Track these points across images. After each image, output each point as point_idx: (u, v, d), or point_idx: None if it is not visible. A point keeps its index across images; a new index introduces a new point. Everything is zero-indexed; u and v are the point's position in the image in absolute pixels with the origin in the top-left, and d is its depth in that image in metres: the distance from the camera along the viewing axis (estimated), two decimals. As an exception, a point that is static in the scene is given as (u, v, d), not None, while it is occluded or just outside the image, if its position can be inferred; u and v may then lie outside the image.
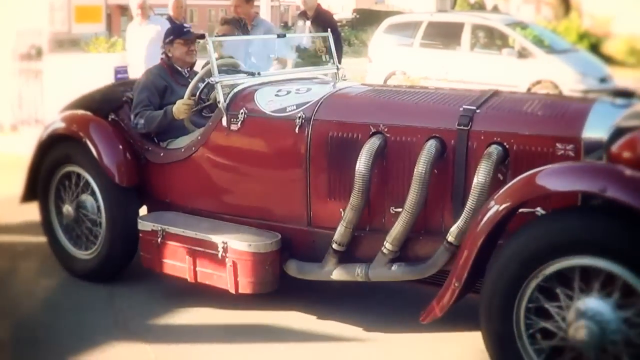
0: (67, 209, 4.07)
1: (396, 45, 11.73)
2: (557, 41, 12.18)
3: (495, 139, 2.99)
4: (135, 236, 3.79)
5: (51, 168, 4.13)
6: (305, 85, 3.72)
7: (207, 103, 3.87)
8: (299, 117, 3.41)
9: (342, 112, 3.39)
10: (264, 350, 3.27)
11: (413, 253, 3.18)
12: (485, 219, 2.65)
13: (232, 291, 3.41)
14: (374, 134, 3.24)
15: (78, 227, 4.07)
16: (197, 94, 3.85)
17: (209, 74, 3.77)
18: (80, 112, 4.14)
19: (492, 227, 2.64)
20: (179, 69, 4.16)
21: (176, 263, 3.58)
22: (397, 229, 3.12)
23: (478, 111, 3.08)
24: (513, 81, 10.09)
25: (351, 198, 3.20)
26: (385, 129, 3.22)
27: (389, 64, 11.44)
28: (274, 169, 3.54)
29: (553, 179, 2.68)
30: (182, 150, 3.80)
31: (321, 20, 6.35)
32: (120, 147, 3.94)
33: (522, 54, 10.79)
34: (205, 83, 3.82)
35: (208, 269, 3.47)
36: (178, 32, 4.16)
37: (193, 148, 3.74)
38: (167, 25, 6.48)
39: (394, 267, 3.19)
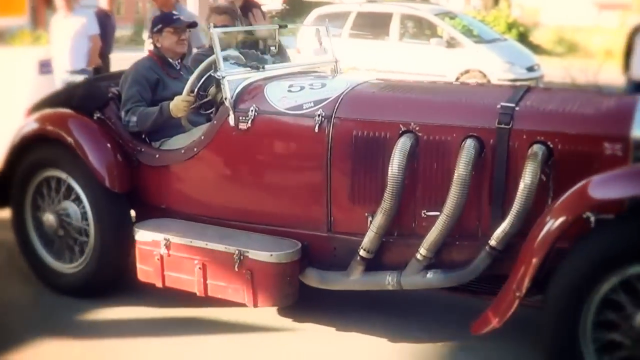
0: (48, 217, 3.68)
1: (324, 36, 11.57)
2: (485, 31, 12.29)
3: (538, 138, 2.83)
4: (128, 246, 3.48)
5: (27, 173, 3.73)
6: (318, 81, 3.47)
7: (206, 99, 3.58)
8: (318, 115, 3.16)
9: (368, 110, 3.16)
10: None
11: (448, 258, 2.99)
12: (545, 231, 2.50)
13: (250, 305, 3.14)
14: (403, 133, 3.03)
15: (61, 237, 3.70)
16: (195, 89, 3.54)
17: (210, 67, 3.47)
18: (61, 110, 3.75)
19: (555, 239, 2.49)
20: (170, 60, 3.83)
21: (182, 276, 3.28)
22: (434, 233, 2.93)
23: (517, 108, 2.92)
24: (441, 71, 10.19)
25: (383, 202, 2.98)
26: (417, 128, 3.01)
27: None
28: (289, 171, 3.28)
29: (607, 187, 2.56)
30: (183, 151, 3.48)
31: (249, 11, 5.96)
32: (111, 148, 3.58)
33: (451, 43, 10.81)
34: (204, 77, 3.52)
35: (221, 281, 3.18)
36: (167, 20, 3.82)
37: (195, 149, 3.43)
38: (93, 17, 6.15)
39: (429, 274, 2.99)
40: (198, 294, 3.26)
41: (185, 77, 3.82)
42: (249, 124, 3.29)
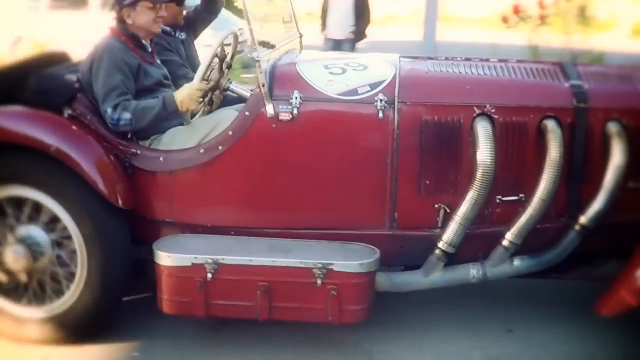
0: (10, 249, 2.75)
1: (24, 9, 10.60)
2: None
3: (613, 115, 2.88)
4: (128, 274, 2.78)
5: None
6: (350, 60, 3.07)
7: (210, 86, 2.97)
8: (380, 101, 2.81)
9: (435, 93, 2.88)
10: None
11: (530, 243, 2.92)
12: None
13: (334, 323, 2.72)
14: (478, 116, 2.85)
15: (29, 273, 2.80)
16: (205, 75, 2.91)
17: (223, 49, 2.88)
18: (20, 108, 2.79)
19: None
20: (143, 42, 3.06)
21: (237, 303, 2.71)
22: (526, 218, 2.82)
23: (587, 87, 2.92)
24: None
25: (471, 191, 2.78)
26: (493, 110, 2.85)
27: (15, 29, 10.23)
28: (345, 166, 2.86)
29: None
30: (201, 151, 2.84)
31: None
32: (105, 154, 2.78)
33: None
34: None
35: (294, 302, 2.69)
36: None
37: (220, 147, 2.82)
38: None
39: (516, 262, 2.90)
40: (259, 319, 2.72)
41: (158, 62, 3.13)
42: (293, 114, 2.79)
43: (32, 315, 2.84)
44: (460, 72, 3.02)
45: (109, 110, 2.81)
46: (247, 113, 2.82)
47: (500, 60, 3.17)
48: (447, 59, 3.22)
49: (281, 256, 2.69)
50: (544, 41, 8.41)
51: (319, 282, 2.65)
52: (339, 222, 2.90)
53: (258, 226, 2.89)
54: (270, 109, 2.79)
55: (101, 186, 2.71)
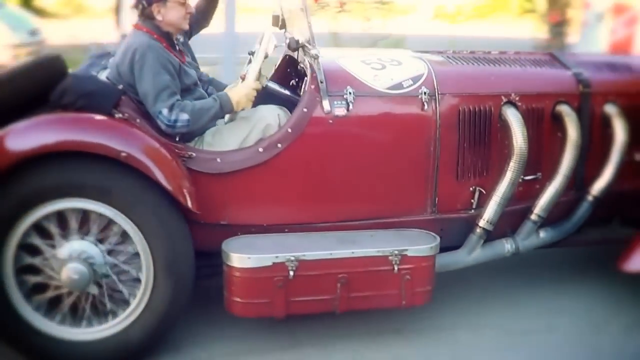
0: (69, 268, 2.54)
1: None
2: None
3: (610, 98, 3.28)
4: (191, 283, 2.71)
5: (17, 210, 2.48)
6: (385, 57, 3.17)
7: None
8: (424, 93, 2.97)
9: (467, 84, 3.09)
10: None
11: (551, 215, 3.24)
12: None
13: (407, 306, 2.83)
14: (505, 103, 3.11)
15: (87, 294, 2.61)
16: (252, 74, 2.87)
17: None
18: (71, 114, 2.55)
19: None
20: (174, 40, 2.94)
21: (316, 297, 2.73)
22: (549, 195, 3.14)
23: (586, 74, 3.30)
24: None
25: (509, 172, 3.04)
26: (517, 98, 3.12)
27: None
28: (395, 156, 2.98)
29: None
30: (260, 149, 2.80)
31: None
32: (172, 157, 2.64)
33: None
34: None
35: (371, 290, 2.77)
36: None
37: (279, 145, 2.81)
38: None
39: (542, 233, 3.21)
40: (337, 311, 2.77)
41: (188, 60, 3.03)
42: (348, 109, 2.86)
43: (80, 338, 2.65)
44: (481, 65, 3.26)
45: (165, 111, 2.68)
46: (304, 110, 2.83)
47: (501, 52, 3.47)
48: (454, 52, 3.44)
49: (356, 247, 2.76)
50: (344, 28, 8.59)
51: (396, 268, 2.76)
52: (386, 211, 3.01)
53: (311, 221, 2.92)
54: (326, 105, 2.83)
55: (174, 190, 2.58)
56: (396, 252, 2.75)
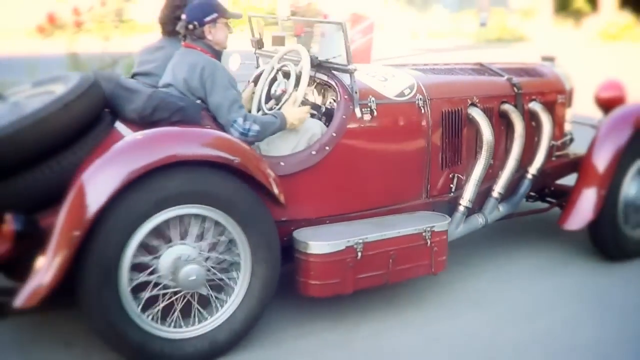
0: (190, 269, 2.80)
1: None
2: None
3: (532, 97, 4.22)
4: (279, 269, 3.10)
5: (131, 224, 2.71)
6: (383, 72, 3.74)
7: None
8: (420, 99, 3.63)
9: (445, 90, 3.79)
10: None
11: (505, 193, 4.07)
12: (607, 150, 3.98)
13: (434, 273, 3.45)
14: (471, 105, 3.88)
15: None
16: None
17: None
18: (178, 128, 2.80)
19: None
20: (221, 58, 3.26)
21: (374, 273, 3.25)
22: (505, 176, 3.97)
23: (515, 79, 4.19)
24: None
25: (482, 160, 3.82)
26: (478, 100, 3.91)
27: None
28: (404, 152, 3.61)
29: None
30: (313, 152, 3.25)
31: None
32: (263, 161, 3.02)
33: None
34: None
35: (411, 262, 3.35)
36: (222, 9, 3.21)
37: (327, 147, 3.29)
38: None
39: (501, 208, 4.02)
40: (388, 283, 3.31)
41: None
42: (372, 115, 3.43)
43: (184, 337, 2.90)
44: (448, 75, 4.01)
45: (240, 120, 3.01)
46: (343, 117, 3.33)
47: (456, 64, 4.25)
48: (426, 64, 4.16)
49: (397, 228, 3.32)
50: (83, 48, 8.51)
51: (428, 242, 3.38)
52: (396, 199, 3.62)
53: (345, 212, 3.42)
54: (358, 112, 3.37)
55: (272, 189, 2.95)
56: (427, 229, 3.38)
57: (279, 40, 3.72)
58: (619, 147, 3.96)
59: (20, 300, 2.57)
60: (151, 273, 2.79)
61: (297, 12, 9.82)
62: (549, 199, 4.46)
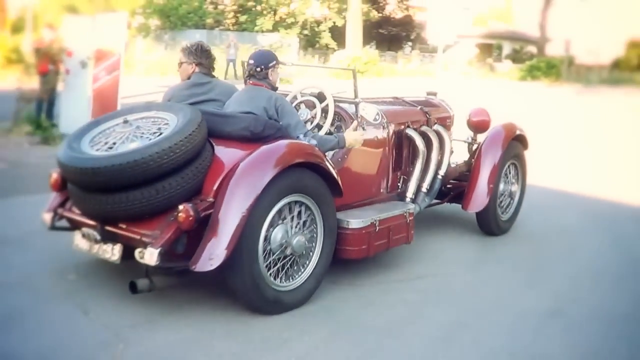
0: (299, 239, 4.02)
1: None
2: None
3: (436, 121, 5.97)
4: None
5: (276, 196, 3.93)
6: (354, 104, 5.18)
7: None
8: (385, 122, 5.19)
9: (395, 116, 5.38)
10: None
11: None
12: (493, 153, 5.85)
13: (410, 242, 4.97)
14: (407, 127, 5.51)
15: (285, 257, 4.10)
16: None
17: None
18: (282, 141, 4.02)
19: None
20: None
21: (381, 241, 4.68)
22: (430, 175, 5.64)
23: (425, 109, 5.91)
24: None
25: (419, 165, 5.47)
26: (410, 123, 5.56)
27: None
28: (377, 159, 5.12)
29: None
30: (339, 159, 4.62)
31: None
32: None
33: None
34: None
35: (399, 234, 4.84)
36: (277, 58, 4.42)
37: (345, 156, 4.69)
38: None
39: (426, 199, 5.68)
40: (386, 250, 4.77)
41: None
42: (366, 133, 4.91)
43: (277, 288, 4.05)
44: (390, 106, 5.60)
45: (301, 136, 4.27)
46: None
47: (384, 98, 5.85)
48: (370, 98, 5.67)
49: (389, 212, 4.79)
50: None
51: (408, 219, 4.91)
52: (370, 194, 5.10)
53: (343, 203, 4.77)
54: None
55: (340, 184, 4.27)
56: (406, 211, 4.91)
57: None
58: (500, 154, 5.88)
59: (200, 266, 3.61)
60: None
61: (41, 48, 10.12)
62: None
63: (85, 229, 3.99)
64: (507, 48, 53.33)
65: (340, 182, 4.33)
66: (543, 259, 5.47)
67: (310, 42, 38.88)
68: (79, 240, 4.09)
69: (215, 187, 3.85)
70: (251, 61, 4.46)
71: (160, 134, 3.84)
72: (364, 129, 4.85)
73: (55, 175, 4.28)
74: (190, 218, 3.61)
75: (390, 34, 45.41)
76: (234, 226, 3.68)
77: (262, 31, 36.96)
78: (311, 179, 4.13)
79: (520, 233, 6.16)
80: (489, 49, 51.69)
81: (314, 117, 4.85)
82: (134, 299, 4.00)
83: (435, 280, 4.84)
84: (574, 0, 45.76)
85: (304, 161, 4.04)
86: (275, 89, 4.52)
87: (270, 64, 4.46)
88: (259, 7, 38.05)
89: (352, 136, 4.63)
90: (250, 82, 4.47)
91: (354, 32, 32.55)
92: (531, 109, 18.92)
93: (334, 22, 38.62)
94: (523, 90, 28.70)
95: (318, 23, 39.27)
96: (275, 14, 38.39)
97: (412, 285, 4.70)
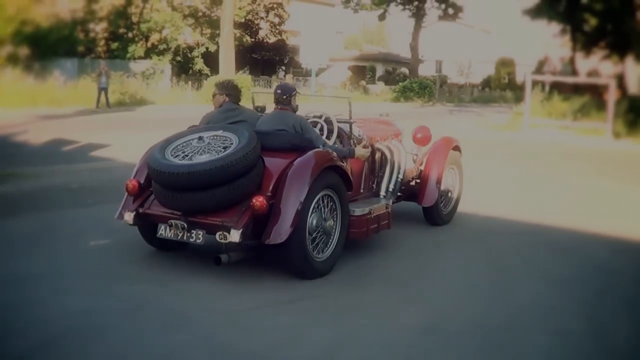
0: (330, 222, 5.52)
1: None
2: None
3: (393, 137, 7.63)
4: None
5: (316, 190, 5.45)
6: (346, 123, 6.73)
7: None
8: (366, 138, 6.81)
9: (371, 132, 7.02)
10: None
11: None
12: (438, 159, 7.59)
13: (389, 228, 6.57)
14: (377, 142, 7.14)
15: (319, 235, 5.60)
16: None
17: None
18: (316, 150, 5.52)
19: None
20: None
21: (374, 226, 6.28)
22: (393, 179, 7.29)
23: (398, 125, 7.59)
24: None
25: (388, 170, 7.11)
26: (379, 138, 7.20)
27: None
28: (362, 166, 6.71)
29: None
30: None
31: None
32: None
33: None
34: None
35: (383, 221, 6.45)
36: (296, 88, 5.92)
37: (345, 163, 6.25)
38: None
39: (392, 197, 7.30)
40: (377, 232, 6.36)
41: None
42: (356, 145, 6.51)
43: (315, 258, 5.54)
44: (364, 124, 7.21)
45: (321, 147, 5.78)
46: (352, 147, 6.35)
47: (364, 119, 7.46)
48: (356, 118, 7.23)
49: (377, 203, 6.40)
50: None
51: (388, 210, 6.52)
52: (356, 192, 6.68)
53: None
54: (352, 144, 6.42)
55: (352, 181, 5.84)
56: (387, 204, 6.54)
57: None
58: (443, 160, 7.65)
59: (271, 240, 5.05)
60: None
61: None
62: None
63: (172, 221, 5.27)
64: (380, 70, 56.24)
65: (352, 180, 5.89)
66: (422, 275, 5.90)
67: (183, 68, 37.91)
68: (163, 230, 5.36)
69: (271, 185, 5.30)
70: (278, 91, 6.00)
71: (226, 148, 5.24)
72: (370, 146, 6.49)
73: (133, 182, 5.54)
74: (264, 205, 5.03)
75: (263, 59, 45.04)
76: (294, 211, 5.17)
77: (135, 58, 35.81)
78: (334, 177, 5.67)
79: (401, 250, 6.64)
80: (362, 71, 54.17)
81: (321, 133, 6.40)
82: (209, 276, 5.34)
83: (314, 302, 4.96)
84: (444, 22, 48.40)
85: (331, 165, 5.57)
86: (295, 111, 6.02)
87: (293, 93, 6.02)
88: (130, 34, 36.84)
89: (361, 151, 6.32)
90: (278, 107, 5.99)
91: (227, 57, 31.40)
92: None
93: (207, 48, 37.87)
94: (398, 110, 29.34)
95: (191, 49, 38.34)
96: (147, 40, 37.22)
97: (289, 308, 4.82)
